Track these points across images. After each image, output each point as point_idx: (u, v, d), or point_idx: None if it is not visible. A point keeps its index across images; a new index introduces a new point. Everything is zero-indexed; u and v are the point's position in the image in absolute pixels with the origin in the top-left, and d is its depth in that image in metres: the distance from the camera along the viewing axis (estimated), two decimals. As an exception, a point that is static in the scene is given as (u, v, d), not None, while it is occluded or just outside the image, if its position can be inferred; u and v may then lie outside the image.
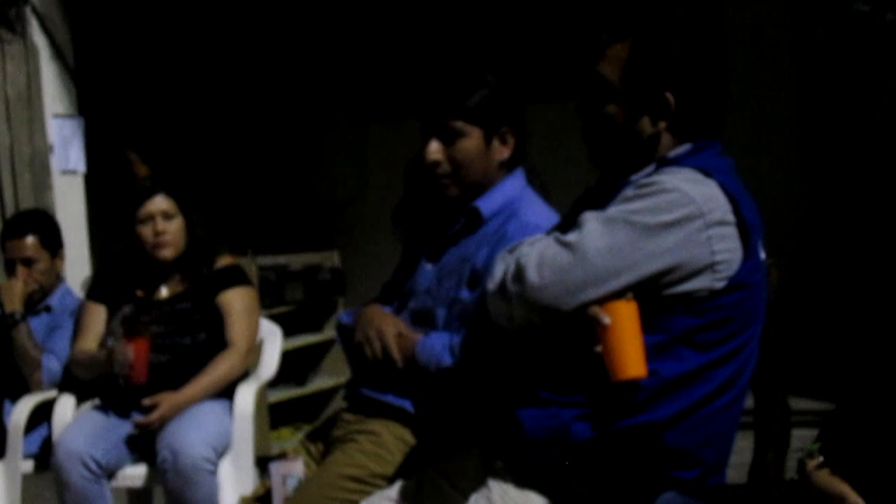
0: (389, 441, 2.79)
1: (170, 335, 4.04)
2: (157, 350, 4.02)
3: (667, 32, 2.32)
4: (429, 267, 2.86)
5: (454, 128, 2.78)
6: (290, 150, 8.90)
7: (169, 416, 3.87)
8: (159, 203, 4.09)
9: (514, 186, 2.84)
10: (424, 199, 2.92)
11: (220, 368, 4.01)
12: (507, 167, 2.85)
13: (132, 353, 3.84)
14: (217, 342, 4.05)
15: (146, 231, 4.08)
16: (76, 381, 4.17)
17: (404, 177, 3.07)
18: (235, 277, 4.17)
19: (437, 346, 2.69)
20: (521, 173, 2.88)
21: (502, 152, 2.83)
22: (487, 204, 2.81)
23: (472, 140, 2.79)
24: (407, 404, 2.79)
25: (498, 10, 8.17)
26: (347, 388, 3.00)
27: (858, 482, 2.88)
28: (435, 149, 2.80)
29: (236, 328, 4.07)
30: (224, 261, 4.23)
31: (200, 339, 4.06)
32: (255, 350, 4.18)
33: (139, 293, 4.15)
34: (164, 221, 4.08)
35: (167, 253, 4.10)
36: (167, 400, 3.89)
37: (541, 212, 2.80)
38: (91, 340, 4.12)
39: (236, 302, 4.11)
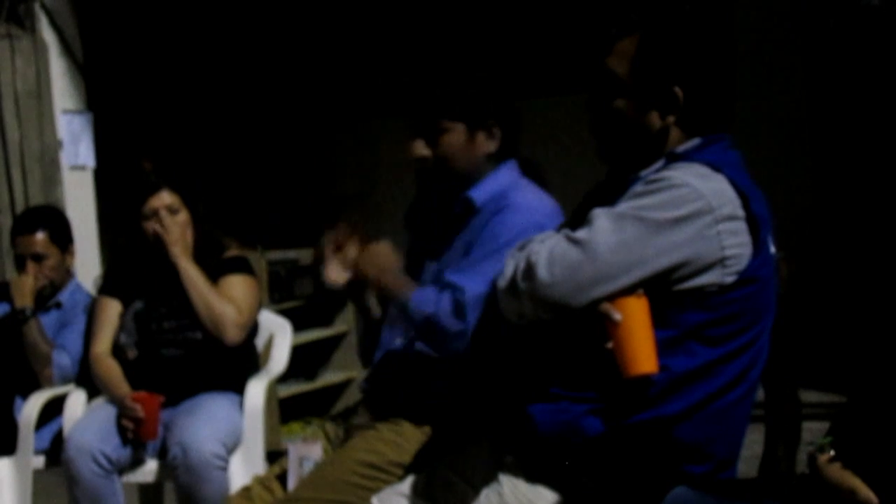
0: (409, 430, 2.80)
1: (182, 330, 4.05)
2: (169, 345, 4.03)
3: (675, 26, 2.32)
4: (433, 266, 2.87)
5: (437, 126, 2.81)
6: (299, 144, 8.91)
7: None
8: (163, 198, 4.08)
9: (506, 176, 2.85)
10: (437, 200, 2.92)
11: (220, 297, 4.00)
12: (497, 160, 2.86)
13: (141, 410, 3.85)
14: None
15: (151, 226, 4.07)
16: (87, 376, 4.17)
17: (417, 178, 3.07)
18: (238, 266, 4.16)
19: (431, 295, 2.67)
20: (513, 164, 2.88)
21: (488, 145, 2.83)
22: (480, 193, 2.82)
23: (455, 134, 2.81)
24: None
25: (506, 3, 8.16)
26: (365, 384, 3.02)
27: (870, 476, 2.87)
28: (418, 145, 2.83)
29: (234, 293, 4.06)
30: (231, 254, 4.23)
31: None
32: (246, 325, 4.09)
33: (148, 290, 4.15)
34: (169, 216, 4.07)
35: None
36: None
37: (535, 197, 2.81)
38: (107, 337, 4.11)
39: (235, 283, 4.09)
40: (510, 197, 2.77)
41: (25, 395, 4.27)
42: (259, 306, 4.24)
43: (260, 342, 4.39)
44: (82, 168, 6.14)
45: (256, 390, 4.08)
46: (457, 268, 2.72)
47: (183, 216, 4.10)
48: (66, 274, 4.54)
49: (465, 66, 2.90)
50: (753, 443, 3.91)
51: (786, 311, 2.66)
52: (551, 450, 2.28)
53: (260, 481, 2.95)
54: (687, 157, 2.28)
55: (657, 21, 2.32)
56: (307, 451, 2.87)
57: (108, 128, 6.59)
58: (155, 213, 4.06)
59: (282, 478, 2.90)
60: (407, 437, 2.79)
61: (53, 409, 4.20)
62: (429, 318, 2.64)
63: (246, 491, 2.94)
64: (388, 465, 2.75)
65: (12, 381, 4.36)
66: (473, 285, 2.60)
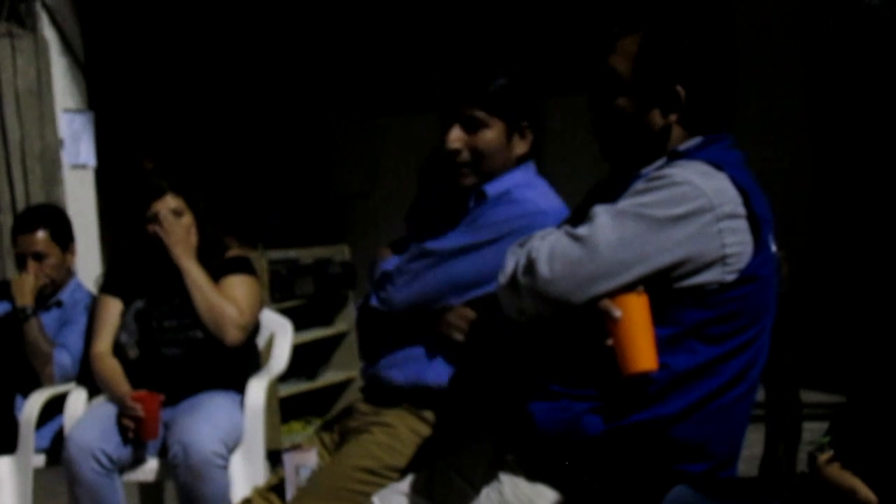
0: (404, 433, 2.79)
1: (182, 329, 4.04)
2: (170, 344, 4.03)
3: (677, 25, 2.32)
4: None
5: (477, 117, 2.78)
6: (300, 144, 8.91)
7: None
8: (167, 202, 4.08)
9: (520, 174, 2.84)
10: (437, 200, 2.92)
11: (222, 298, 4.00)
12: (522, 162, 2.86)
13: (142, 410, 3.84)
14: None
15: (153, 228, 4.07)
16: (87, 375, 4.17)
17: (418, 178, 3.07)
18: (240, 266, 4.16)
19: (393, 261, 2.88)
20: (531, 165, 2.88)
21: (521, 147, 2.83)
22: (494, 187, 2.82)
23: (493, 132, 2.79)
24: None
25: (506, 3, 8.16)
26: (363, 376, 3.01)
27: (869, 476, 2.88)
28: (456, 136, 2.79)
29: (236, 293, 4.06)
30: (233, 253, 4.23)
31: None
32: (248, 325, 4.10)
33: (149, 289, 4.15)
34: (172, 218, 4.07)
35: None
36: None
37: (539, 195, 2.81)
38: (108, 336, 4.10)
39: (237, 283, 4.10)
40: (514, 193, 2.78)
41: (26, 394, 4.27)
42: (260, 306, 4.24)
43: (261, 341, 4.39)
44: (83, 167, 6.14)
45: (257, 389, 4.08)
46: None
47: (187, 219, 4.10)
48: (67, 273, 4.54)
49: (498, 59, 2.88)
50: (753, 443, 3.90)
51: (786, 311, 2.66)
52: (551, 448, 2.28)
53: (259, 493, 2.95)
54: (689, 155, 2.28)
55: (659, 20, 2.32)
56: (303, 460, 2.86)
57: (109, 127, 6.60)
58: (158, 217, 4.07)
59: (279, 487, 2.89)
60: (402, 440, 2.79)
61: (54, 407, 4.20)
62: (383, 271, 2.88)
63: (246, 503, 2.94)
64: (385, 469, 2.75)
65: (13, 379, 4.37)
66: (433, 243, 2.79)
